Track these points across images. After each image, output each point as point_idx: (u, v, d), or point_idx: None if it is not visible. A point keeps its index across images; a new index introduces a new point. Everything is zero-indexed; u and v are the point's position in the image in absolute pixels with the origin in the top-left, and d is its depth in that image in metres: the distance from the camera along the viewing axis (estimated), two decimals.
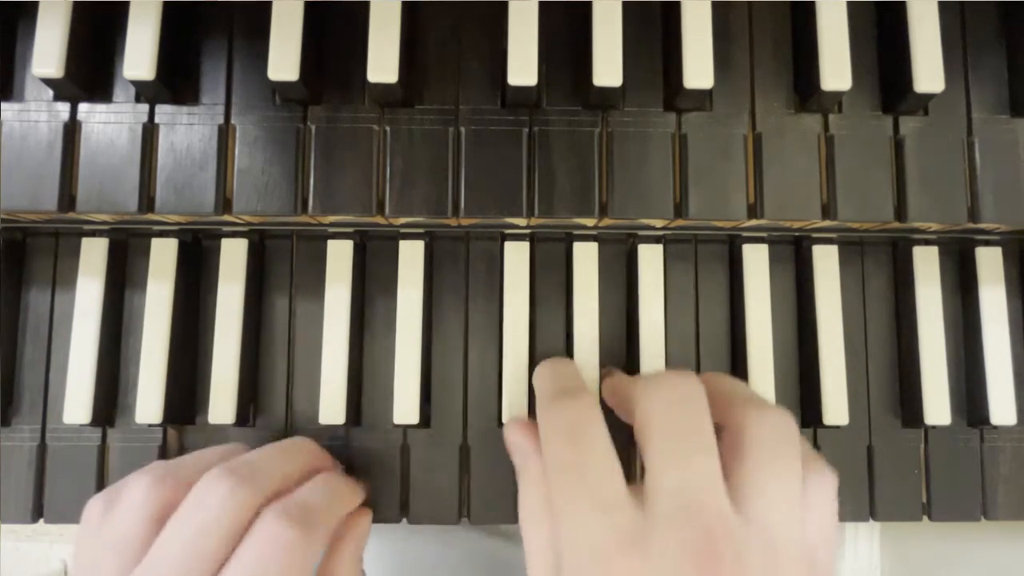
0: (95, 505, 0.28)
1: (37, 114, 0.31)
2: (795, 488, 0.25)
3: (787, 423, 0.26)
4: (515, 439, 0.30)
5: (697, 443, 0.25)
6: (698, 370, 0.34)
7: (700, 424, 0.26)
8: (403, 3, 0.31)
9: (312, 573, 0.28)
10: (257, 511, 0.27)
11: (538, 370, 0.31)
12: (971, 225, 0.32)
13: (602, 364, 0.33)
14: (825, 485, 0.27)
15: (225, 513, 0.26)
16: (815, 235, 0.34)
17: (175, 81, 0.32)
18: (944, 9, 0.32)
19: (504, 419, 0.33)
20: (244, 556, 0.26)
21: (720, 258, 0.35)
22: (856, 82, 0.31)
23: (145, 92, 0.31)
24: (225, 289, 0.33)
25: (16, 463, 0.33)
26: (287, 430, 0.34)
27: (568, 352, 0.34)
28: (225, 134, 0.31)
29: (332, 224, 0.34)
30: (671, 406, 0.26)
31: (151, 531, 0.27)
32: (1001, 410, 0.33)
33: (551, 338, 0.34)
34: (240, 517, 0.27)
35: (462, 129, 0.31)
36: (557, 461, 0.26)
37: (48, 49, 0.30)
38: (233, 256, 0.33)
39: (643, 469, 0.26)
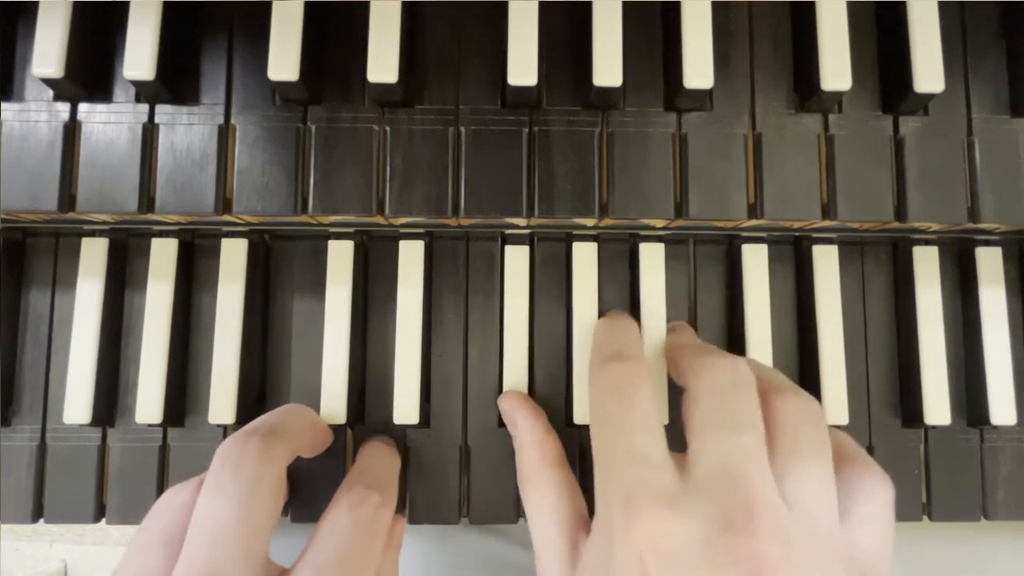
0: None
1: (37, 114, 0.31)
2: (827, 471, 0.25)
3: (815, 409, 0.27)
4: (509, 405, 0.32)
5: (743, 423, 0.25)
6: None
7: (747, 408, 0.26)
8: (403, 3, 0.31)
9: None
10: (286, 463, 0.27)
11: (597, 326, 0.32)
12: (971, 225, 0.32)
13: None
14: (877, 488, 0.26)
15: (267, 467, 0.26)
16: (815, 235, 0.34)
17: (175, 81, 0.32)
18: (944, 9, 0.32)
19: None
20: (337, 525, 0.27)
21: (720, 258, 0.35)
22: (856, 82, 0.31)
23: (145, 92, 0.31)
24: (225, 289, 0.33)
25: (16, 463, 0.33)
26: None
27: (568, 352, 0.34)
28: (225, 134, 0.31)
29: (332, 224, 0.34)
30: (717, 391, 0.26)
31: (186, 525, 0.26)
32: (1001, 410, 0.33)
33: (551, 338, 0.34)
34: (279, 470, 0.26)
35: (462, 129, 0.31)
36: (602, 415, 0.27)
37: (48, 49, 0.30)
38: (233, 256, 0.33)
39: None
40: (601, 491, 0.26)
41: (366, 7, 0.31)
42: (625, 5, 0.31)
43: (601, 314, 0.33)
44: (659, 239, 0.34)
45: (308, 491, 0.33)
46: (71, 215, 0.31)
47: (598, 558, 0.25)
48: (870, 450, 0.34)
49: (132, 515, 0.33)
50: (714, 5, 0.31)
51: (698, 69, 0.30)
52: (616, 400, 0.27)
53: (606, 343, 0.30)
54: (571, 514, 0.28)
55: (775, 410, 0.26)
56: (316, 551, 0.26)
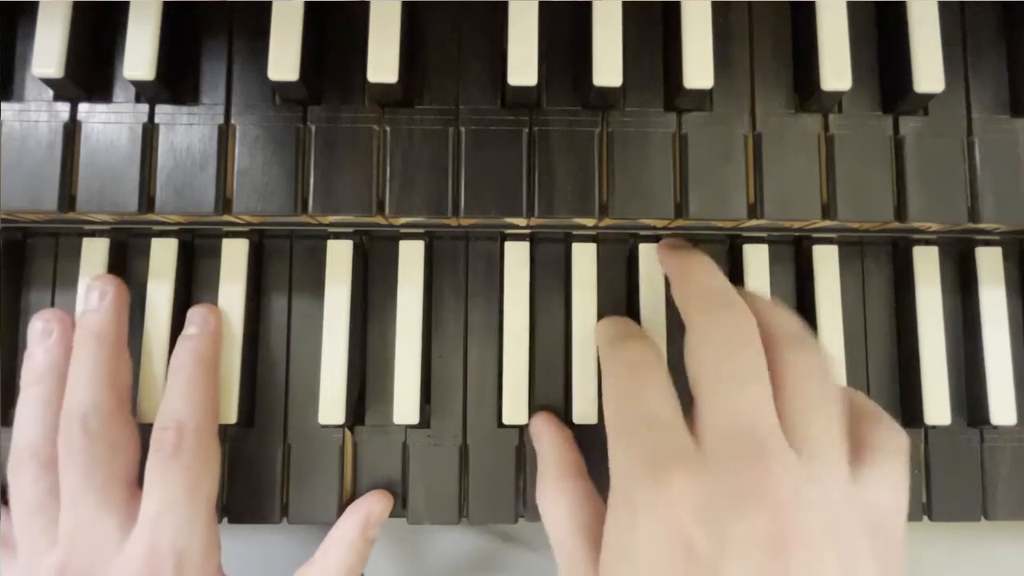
0: None
1: (37, 114, 0.31)
2: (834, 424, 0.26)
3: (820, 361, 0.27)
4: (541, 425, 0.32)
5: (747, 376, 0.26)
6: None
7: (750, 363, 0.26)
8: (403, 3, 0.31)
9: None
10: None
11: (599, 325, 0.33)
12: (971, 225, 0.32)
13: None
14: (891, 445, 0.27)
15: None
16: (815, 235, 0.34)
17: (175, 81, 0.32)
18: (944, 9, 0.32)
19: (505, 419, 0.33)
20: (152, 472, 0.30)
21: (720, 258, 0.35)
22: (856, 82, 0.31)
23: (145, 92, 0.31)
24: (225, 289, 0.33)
25: None
26: (287, 430, 0.34)
27: (567, 352, 0.34)
28: (225, 134, 0.31)
29: (332, 224, 0.34)
30: (720, 347, 0.27)
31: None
32: (1001, 410, 0.33)
33: (551, 338, 0.34)
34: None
35: (462, 129, 0.31)
36: (617, 390, 0.28)
37: (48, 49, 0.30)
38: (233, 256, 0.33)
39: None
40: (618, 463, 0.26)
41: (366, 7, 0.31)
42: (625, 5, 0.31)
43: (601, 315, 0.33)
44: (659, 239, 0.34)
45: (306, 493, 0.33)
46: (71, 215, 0.31)
47: (620, 532, 0.25)
48: None
49: None
50: (714, 5, 0.31)
51: (698, 69, 0.30)
52: (630, 374, 0.28)
53: (611, 329, 0.32)
54: (590, 518, 0.28)
55: (781, 363, 0.26)
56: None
